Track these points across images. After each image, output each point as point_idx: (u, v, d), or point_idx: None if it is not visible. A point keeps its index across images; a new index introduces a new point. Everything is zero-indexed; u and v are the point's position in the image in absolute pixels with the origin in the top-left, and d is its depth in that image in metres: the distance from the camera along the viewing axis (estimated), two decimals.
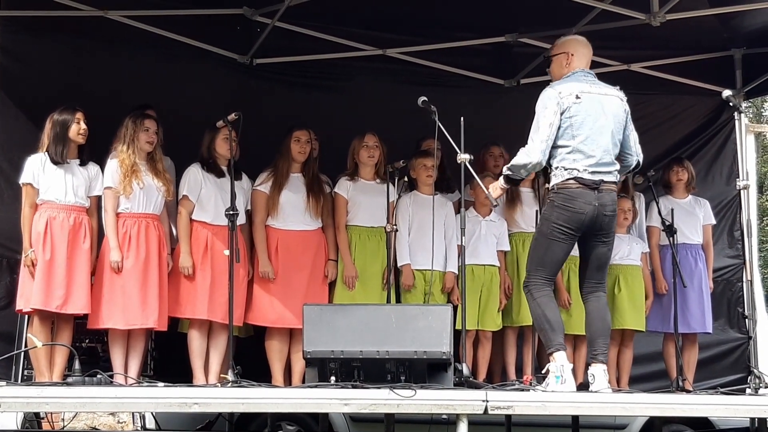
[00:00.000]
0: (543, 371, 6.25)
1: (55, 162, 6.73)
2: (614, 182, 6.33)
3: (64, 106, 6.83)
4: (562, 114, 6.21)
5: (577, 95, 6.25)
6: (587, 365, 6.44)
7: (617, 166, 6.36)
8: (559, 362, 6.10)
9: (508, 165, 6.33)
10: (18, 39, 7.79)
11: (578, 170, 6.19)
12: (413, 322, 5.92)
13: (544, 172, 6.47)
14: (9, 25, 7.69)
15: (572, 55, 6.48)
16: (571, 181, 6.20)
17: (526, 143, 6.28)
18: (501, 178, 6.42)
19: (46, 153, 6.76)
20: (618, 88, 6.48)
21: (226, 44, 8.64)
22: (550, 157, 6.25)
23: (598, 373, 6.20)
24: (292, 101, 8.73)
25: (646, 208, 8.37)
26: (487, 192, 7.18)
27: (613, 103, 6.37)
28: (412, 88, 8.07)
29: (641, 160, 6.56)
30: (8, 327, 7.22)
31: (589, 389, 6.23)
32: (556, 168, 6.25)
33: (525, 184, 7.72)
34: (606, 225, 6.27)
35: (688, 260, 8.20)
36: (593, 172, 6.20)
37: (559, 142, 6.22)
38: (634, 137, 6.47)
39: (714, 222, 8.56)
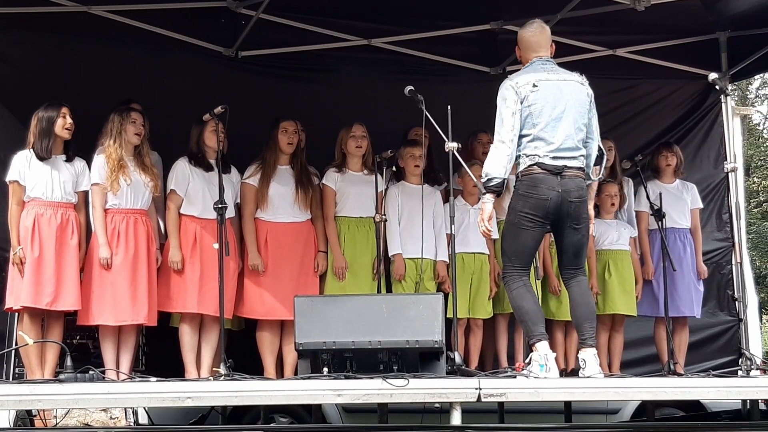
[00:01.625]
0: (526, 361, 6.26)
1: (40, 158, 6.71)
2: (580, 168, 6.27)
3: (49, 102, 6.80)
4: (521, 103, 6.19)
5: (534, 84, 6.23)
6: (578, 350, 6.45)
7: (583, 152, 6.30)
8: (542, 351, 6.10)
9: (485, 173, 6.19)
10: (1, 36, 7.75)
11: (539, 156, 6.16)
12: (404, 311, 5.92)
13: None
14: None
15: (519, 49, 6.50)
16: (534, 167, 6.18)
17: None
18: (485, 197, 6.23)
19: (32, 150, 6.74)
20: (579, 73, 6.44)
21: (210, 37, 8.61)
22: None
23: (589, 357, 6.21)
24: (278, 93, 8.70)
25: (634, 193, 8.38)
26: (475, 180, 7.20)
27: (573, 88, 6.32)
28: (398, 78, 8.09)
29: (602, 146, 6.48)
30: None
31: (580, 374, 6.25)
32: (519, 156, 6.23)
33: (512, 172, 7.72)
34: (574, 211, 6.22)
35: (677, 244, 8.22)
36: (555, 158, 6.17)
37: (521, 132, 6.20)
38: (596, 123, 6.41)
39: (702, 206, 8.58)
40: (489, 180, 6.17)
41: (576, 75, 6.42)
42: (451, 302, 6.54)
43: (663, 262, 7.87)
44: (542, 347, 6.12)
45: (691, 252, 8.29)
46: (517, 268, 6.27)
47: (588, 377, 6.16)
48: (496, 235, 7.83)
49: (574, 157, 6.24)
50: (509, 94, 6.21)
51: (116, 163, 6.82)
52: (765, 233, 22.73)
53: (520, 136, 6.20)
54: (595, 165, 6.44)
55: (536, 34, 6.47)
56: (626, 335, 8.25)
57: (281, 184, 7.34)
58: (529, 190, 6.18)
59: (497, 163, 6.16)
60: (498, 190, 6.21)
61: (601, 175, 6.69)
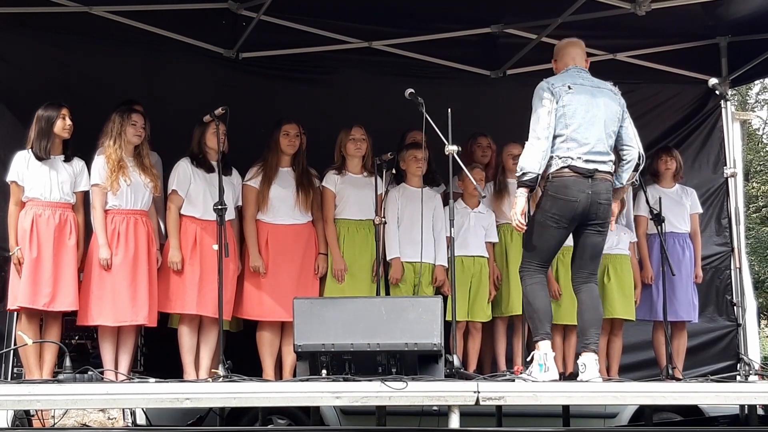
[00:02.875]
0: (528, 359, 6.31)
1: (39, 158, 6.71)
2: (609, 172, 6.37)
3: (49, 102, 6.80)
4: (556, 103, 6.28)
5: (569, 86, 6.34)
6: (578, 354, 6.46)
7: (612, 157, 6.41)
8: (543, 350, 6.19)
9: (520, 167, 6.27)
10: (2, 36, 7.75)
11: (572, 158, 6.26)
12: (403, 314, 5.92)
13: None
14: None
15: (555, 61, 6.65)
16: (566, 170, 6.27)
17: (528, 138, 6.31)
18: (518, 191, 6.31)
19: (31, 150, 6.74)
20: (612, 83, 6.56)
21: (211, 38, 8.62)
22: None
23: (590, 362, 6.23)
24: (279, 95, 8.71)
25: (633, 198, 8.38)
26: (475, 183, 7.21)
27: (606, 95, 6.44)
28: (398, 80, 8.08)
29: (643, 153, 6.56)
30: None
31: (579, 378, 6.25)
32: (552, 158, 6.30)
33: (513, 176, 7.73)
34: (602, 213, 6.33)
35: (676, 249, 8.22)
36: (587, 161, 6.27)
37: (555, 132, 6.28)
38: (633, 131, 6.52)
39: (701, 211, 8.58)
40: (524, 174, 6.25)
41: (609, 84, 6.54)
42: (450, 305, 6.54)
43: (662, 266, 7.87)
44: (544, 346, 6.20)
45: (691, 256, 8.29)
46: (535, 264, 6.38)
47: (586, 381, 6.17)
48: (495, 238, 7.87)
49: (604, 162, 6.35)
50: (545, 94, 6.33)
51: (116, 164, 6.82)
52: (764, 238, 22.72)
53: (553, 137, 6.29)
54: (633, 171, 6.54)
55: (573, 45, 6.66)
56: (625, 339, 8.25)
57: (282, 186, 7.34)
58: (558, 192, 6.28)
59: (533, 159, 6.24)
60: (532, 185, 6.30)
61: (635, 180, 6.80)
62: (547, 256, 6.43)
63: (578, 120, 6.29)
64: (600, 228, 6.37)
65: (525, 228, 6.40)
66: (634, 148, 6.49)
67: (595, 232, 6.38)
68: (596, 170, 6.28)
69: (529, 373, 6.14)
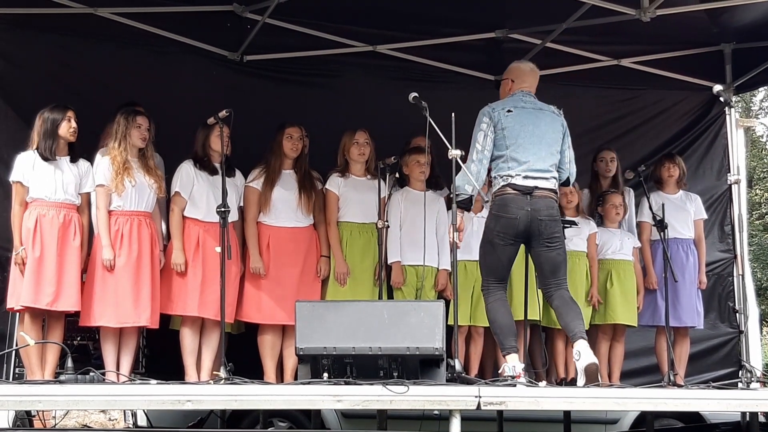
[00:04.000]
0: (499, 371, 6.52)
1: (44, 158, 6.71)
2: (551, 189, 6.59)
3: (55, 104, 6.81)
4: (495, 126, 6.56)
5: (509, 109, 6.62)
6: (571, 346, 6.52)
7: (555, 174, 6.64)
8: (511, 363, 6.37)
9: (455, 188, 6.47)
10: (7, 37, 7.77)
11: (512, 176, 6.52)
12: (405, 318, 5.92)
13: None
14: None
15: (513, 81, 6.87)
16: (506, 188, 6.54)
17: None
18: (453, 209, 6.49)
19: (36, 150, 6.75)
20: (554, 106, 6.79)
21: (216, 41, 8.63)
22: (490, 169, 6.62)
23: (583, 347, 6.35)
24: (283, 98, 8.71)
25: (636, 204, 8.38)
26: (479, 191, 7.21)
27: (548, 116, 6.70)
28: (402, 84, 8.11)
29: (572, 179, 6.90)
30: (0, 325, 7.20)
31: (577, 365, 6.28)
32: (494, 178, 6.63)
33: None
34: (545, 229, 6.52)
35: (679, 255, 8.21)
36: (526, 177, 6.52)
37: (495, 153, 6.58)
38: (570, 155, 6.78)
39: (705, 217, 8.57)
40: (457, 195, 6.50)
41: (553, 107, 6.78)
42: (452, 309, 6.54)
43: (665, 272, 7.87)
44: (511, 359, 6.40)
45: (694, 262, 8.29)
46: (492, 283, 6.62)
47: (583, 369, 6.18)
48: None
49: (545, 178, 6.58)
50: (484, 119, 6.65)
51: (121, 166, 6.82)
52: (767, 245, 22.70)
53: (495, 158, 6.59)
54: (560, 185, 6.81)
55: (527, 74, 6.88)
56: (627, 345, 8.25)
57: (284, 188, 7.35)
58: (500, 210, 6.55)
59: (463, 180, 6.51)
60: (464, 207, 6.63)
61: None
62: (501, 272, 6.63)
63: (518, 140, 6.55)
64: (548, 244, 6.54)
65: (459, 245, 6.67)
66: (565, 172, 6.76)
67: (545, 248, 6.55)
68: (536, 187, 6.51)
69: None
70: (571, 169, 6.79)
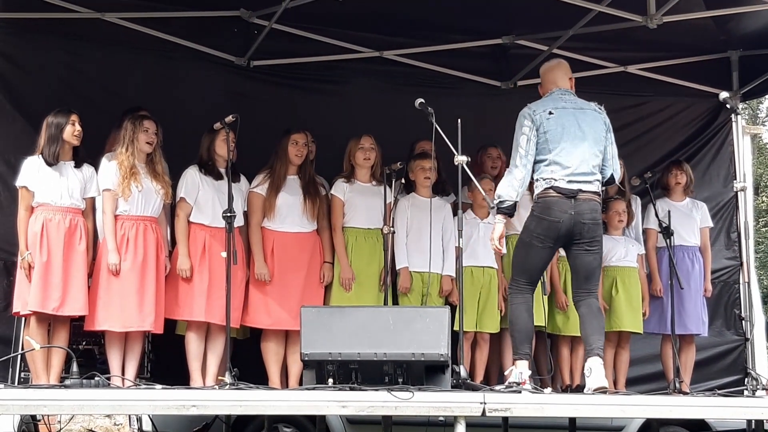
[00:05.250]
0: (505, 373, 6.52)
1: (48, 163, 6.72)
2: (595, 192, 6.51)
3: (59, 109, 6.81)
4: (537, 130, 6.48)
5: (550, 111, 6.52)
6: (584, 360, 6.47)
7: (599, 176, 6.57)
8: (519, 369, 6.35)
9: (498, 195, 6.49)
10: (15, 41, 7.78)
11: (555, 179, 6.44)
12: (411, 324, 5.92)
13: None
14: (5, 27, 7.67)
15: (541, 86, 6.85)
16: (549, 191, 6.46)
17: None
18: (497, 218, 6.55)
19: (41, 155, 6.76)
20: (596, 103, 6.70)
21: (223, 46, 8.63)
22: (532, 171, 6.53)
23: (596, 366, 6.30)
24: (289, 103, 8.72)
25: (642, 211, 8.37)
26: (484, 194, 7.21)
27: (590, 116, 6.61)
28: (409, 90, 8.09)
29: (617, 176, 6.77)
30: (5, 330, 7.20)
31: (586, 381, 6.25)
32: (537, 180, 6.53)
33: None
34: (587, 233, 6.46)
35: (685, 262, 8.21)
36: (570, 181, 6.43)
37: (538, 157, 6.49)
38: (612, 151, 6.67)
39: (711, 225, 8.56)
40: (501, 202, 6.47)
41: (593, 104, 6.68)
42: (458, 315, 6.54)
43: (670, 279, 7.86)
44: (521, 365, 6.37)
45: (700, 270, 8.28)
46: (521, 284, 6.55)
47: (591, 391, 6.16)
48: (504, 250, 7.85)
49: (589, 182, 6.49)
50: (526, 122, 6.53)
51: (128, 171, 6.83)
52: None
53: (538, 161, 6.49)
54: (604, 185, 6.70)
55: (555, 69, 6.82)
56: (633, 352, 8.24)
57: (289, 194, 7.34)
58: (542, 212, 6.45)
59: (509, 186, 6.46)
60: (509, 213, 6.51)
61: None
62: (534, 275, 6.58)
63: (561, 144, 6.46)
64: (588, 247, 6.50)
65: (503, 252, 6.76)
66: (608, 169, 6.66)
67: (583, 251, 6.50)
68: (579, 191, 6.44)
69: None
70: (615, 166, 6.67)
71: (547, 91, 6.74)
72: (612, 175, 6.67)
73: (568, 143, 6.46)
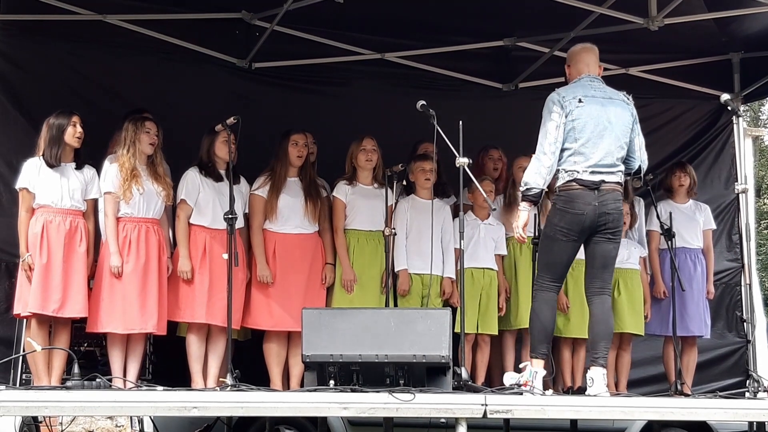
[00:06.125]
0: (520, 366, 6.38)
1: (49, 165, 6.72)
2: (617, 182, 6.39)
3: (60, 110, 6.81)
4: (566, 117, 6.31)
5: (579, 99, 6.35)
6: (586, 368, 6.45)
7: (621, 167, 6.44)
8: (535, 368, 6.24)
9: (524, 182, 6.32)
10: (16, 43, 7.79)
11: (578, 171, 6.29)
12: (412, 325, 5.92)
13: None
14: (7, 29, 7.68)
15: (569, 66, 6.65)
16: (572, 183, 6.30)
17: (534, 151, 6.34)
18: (522, 206, 6.37)
19: (42, 157, 6.76)
20: (624, 93, 6.57)
21: (224, 48, 8.64)
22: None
23: (597, 376, 6.22)
24: (291, 105, 8.73)
25: (646, 213, 8.37)
26: (485, 196, 7.21)
27: (618, 106, 6.45)
28: (410, 92, 8.11)
29: (644, 166, 6.62)
30: (7, 331, 7.20)
31: (587, 392, 6.25)
32: (558, 171, 6.36)
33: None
34: (612, 222, 6.33)
35: (688, 264, 8.20)
36: (593, 173, 6.29)
37: (564, 145, 6.33)
38: (639, 141, 6.55)
39: (714, 227, 8.56)
40: (528, 189, 6.31)
41: (622, 95, 6.55)
42: (459, 317, 6.54)
43: (672, 281, 7.86)
44: (537, 364, 6.26)
45: (703, 272, 8.28)
46: (547, 280, 6.41)
47: (594, 396, 6.16)
48: (504, 251, 7.85)
49: (612, 173, 6.37)
50: (555, 108, 6.36)
51: (129, 173, 6.83)
52: None
53: (562, 150, 6.33)
54: (632, 176, 6.63)
55: (587, 51, 6.64)
56: (634, 354, 8.24)
57: (290, 195, 7.35)
58: (566, 205, 6.32)
59: (537, 174, 6.29)
60: (535, 200, 6.36)
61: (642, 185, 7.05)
62: (560, 270, 6.43)
63: (587, 134, 6.32)
64: (611, 236, 6.37)
65: (525, 240, 6.52)
66: (636, 160, 6.53)
67: (606, 239, 6.36)
68: (602, 181, 6.30)
69: (520, 378, 6.21)
70: (642, 157, 6.53)
71: (576, 74, 6.56)
72: (639, 166, 6.54)
73: (595, 134, 6.31)
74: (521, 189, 6.37)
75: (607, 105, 6.41)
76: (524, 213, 6.37)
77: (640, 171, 6.62)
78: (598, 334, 6.37)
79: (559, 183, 6.37)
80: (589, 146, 6.31)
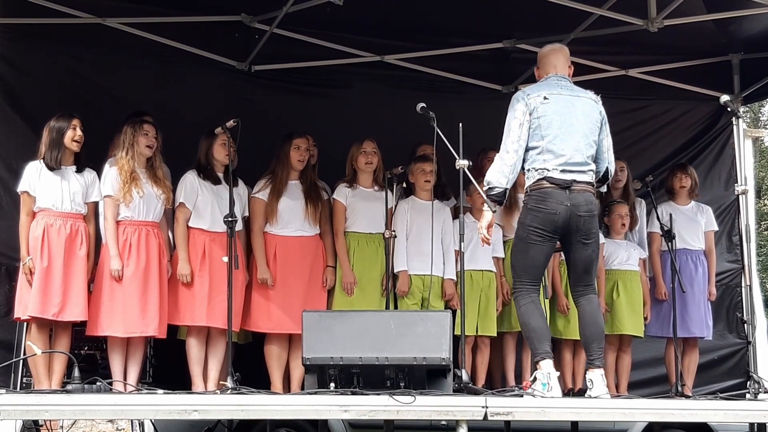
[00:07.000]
0: (531, 378, 6.24)
1: (50, 168, 6.73)
2: (589, 182, 6.28)
3: (60, 113, 6.82)
4: (530, 115, 6.23)
5: (545, 96, 6.27)
6: (585, 371, 6.44)
7: (593, 167, 6.33)
8: (546, 370, 6.10)
9: (486, 181, 6.24)
10: (16, 47, 7.80)
11: (548, 170, 6.19)
12: (412, 328, 5.91)
13: None
14: (7, 32, 7.69)
15: (537, 68, 6.60)
16: (543, 182, 6.20)
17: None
18: (485, 206, 6.31)
19: (42, 160, 6.76)
20: (593, 92, 6.49)
21: (224, 51, 8.65)
22: (523, 161, 6.26)
23: (596, 378, 6.21)
24: (291, 108, 8.73)
25: (647, 214, 8.37)
26: (485, 198, 7.20)
27: (586, 104, 6.36)
28: (410, 95, 8.11)
29: (612, 169, 6.49)
30: (7, 335, 7.21)
31: (587, 394, 6.24)
32: (528, 171, 6.27)
33: (522, 191, 7.71)
34: (583, 226, 6.22)
35: (689, 266, 8.21)
36: (564, 171, 6.19)
37: (530, 144, 6.24)
38: (608, 143, 6.44)
39: (716, 228, 8.56)
40: (490, 189, 6.23)
41: (590, 93, 6.46)
42: (459, 319, 6.53)
43: (673, 283, 7.86)
44: (546, 366, 6.13)
45: (704, 273, 8.28)
46: (526, 284, 6.28)
47: (595, 398, 6.15)
48: (501, 253, 7.84)
49: (583, 171, 6.25)
50: (518, 105, 6.28)
51: (129, 175, 6.83)
52: None
53: (529, 149, 6.24)
54: (597, 181, 6.44)
55: (555, 53, 6.56)
56: (634, 356, 8.24)
57: (291, 198, 7.35)
58: (537, 204, 6.20)
59: (499, 173, 6.21)
60: (498, 200, 6.26)
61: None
62: (536, 272, 6.31)
63: (554, 131, 6.22)
64: (584, 240, 6.25)
65: (489, 241, 6.40)
66: (604, 161, 6.41)
67: (580, 245, 6.26)
68: (574, 181, 6.19)
69: (533, 392, 6.07)
70: (609, 158, 6.40)
71: (543, 74, 6.49)
72: (607, 169, 6.42)
73: (562, 130, 6.19)
74: (484, 189, 6.28)
75: (574, 101, 6.32)
76: (488, 213, 6.28)
77: (608, 175, 6.48)
78: (590, 336, 6.31)
79: (530, 182, 6.25)
80: (557, 143, 6.20)
